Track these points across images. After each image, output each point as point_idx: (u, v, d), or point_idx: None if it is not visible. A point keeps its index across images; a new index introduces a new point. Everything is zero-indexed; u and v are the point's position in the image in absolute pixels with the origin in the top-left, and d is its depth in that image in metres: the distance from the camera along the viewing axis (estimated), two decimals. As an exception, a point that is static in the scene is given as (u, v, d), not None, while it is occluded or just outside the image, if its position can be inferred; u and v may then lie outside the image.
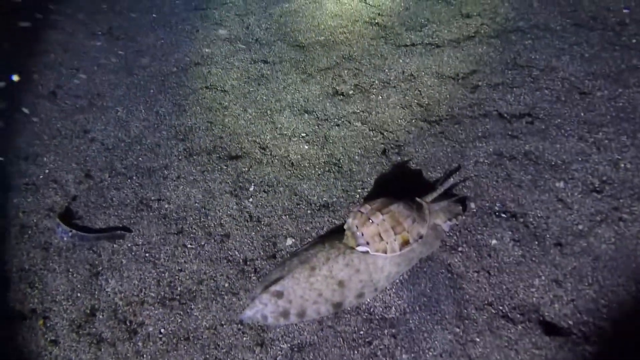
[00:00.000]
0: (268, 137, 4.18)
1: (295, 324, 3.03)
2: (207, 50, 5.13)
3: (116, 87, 4.92)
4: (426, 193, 3.33)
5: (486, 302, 2.92)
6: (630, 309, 2.76)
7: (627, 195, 3.20)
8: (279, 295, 2.99)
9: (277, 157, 4.00)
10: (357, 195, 3.63)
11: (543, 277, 2.98)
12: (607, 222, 3.11)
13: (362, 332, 2.91)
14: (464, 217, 3.33)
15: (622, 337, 2.66)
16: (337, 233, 3.26)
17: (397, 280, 3.09)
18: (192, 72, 4.91)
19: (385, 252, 3.00)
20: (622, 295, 2.81)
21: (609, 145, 3.48)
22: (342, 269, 3.01)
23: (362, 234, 3.01)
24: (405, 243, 3.03)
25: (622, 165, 3.35)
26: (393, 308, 2.97)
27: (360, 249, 3.02)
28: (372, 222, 3.00)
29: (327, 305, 2.98)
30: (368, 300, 3.06)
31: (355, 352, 2.84)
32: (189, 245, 3.56)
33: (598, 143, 3.52)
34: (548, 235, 3.14)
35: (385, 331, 2.88)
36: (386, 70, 4.53)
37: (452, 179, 3.55)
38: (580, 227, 3.14)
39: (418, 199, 3.26)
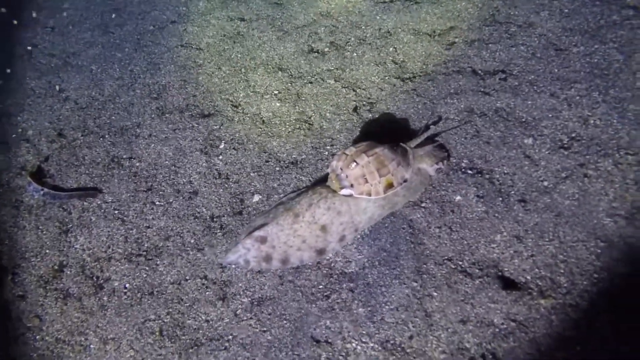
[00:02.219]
0: (241, 95, 4.08)
1: (258, 279, 3.00)
2: (184, 8, 4.98)
3: (92, 46, 4.80)
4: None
5: (446, 257, 2.88)
6: (587, 264, 2.71)
7: (594, 151, 3.11)
8: (263, 240, 2.95)
9: (248, 115, 3.91)
10: (326, 152, 3.56)
11: (505, 233, 2.92)
12: (572, 179, 3.04)
13: (321, 287, 2.89)
14: (450, 162, 3.26)
15: (577, 292, 2.62)
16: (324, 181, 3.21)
17: (359, 236, 3.04)
18: (168, 30, 4.79)
19: (370, 195, 2.95)
20: (580, 251, 2.76)
21: (580, 101, 3.38)
22: (324, 213, 2.96)
23: (347, 176, 2.95)
24: (390, 186, 2.98)
25: (592, 121, 3.26)
26: (353, 263, 2.94)
27: (344, 192, 2.96)
28: (357, 164, 2.93)
29: (310, 252, 2.95)
30: (349, 242, 3.02)
31: (313, 305, 2.82)
32: (158, 203, 3.51)
33: (570, 99, 3.41)
34: (513, 192, 3.07)
35: (344, 285, 2.85)
36: (363, 28, 4.39)
37: (435, 127, 3.47)
38: (545, 183, 3.07)
39: (402, 144, 3.19)
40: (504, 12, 4.16)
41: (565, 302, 2.60)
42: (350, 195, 2.96)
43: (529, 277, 2.74)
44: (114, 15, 5.05)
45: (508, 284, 2.74)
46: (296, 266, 2.96)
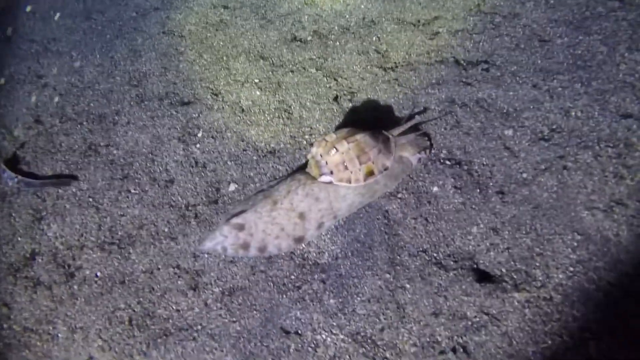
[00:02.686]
0: (222, 83, 3.99)
1: (230, 269, 2.93)
2: (167, -6, 4.88)
3: (73, 32, 4.70)
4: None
5: (421, 249, 2.81)
6: (563, 257, 2.65)
7: (574, 143, 3.04)
8: (241, 227, 2.88)
9: (228, 103, 3.83)
10: (305, 142, 3.48)
11: (481, 225, 2.86)
12: (551, 171, 2.97)
13: (293, 277, 2.82)
14: (433, 151, 3.19)
15: (551, 285, 2.56)
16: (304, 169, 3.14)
17: (333, 226, 2.97)
18: (151, 17, 4.69)
19: (349, 182, 2.88)
20: (557, 244, 2.70)
21: (562, 93, 3.30)
22: (302, 199, 2.89)
23: (326, 163, 2.88)
24: (370, 174, 2.91)
25: (573, 113, 3.19)
26: (326, 253, 2.87)
27: (323, 178, 2.89)
28: (337, 150, 2.86)
29: (288, 241, 2.87)
30: (326, 230, 2.95)
31: (284, 296, 2.75)
32: (133, 191, 3.43)
33: (552, 91, 3.34)
34: (491, 183, 3.00)
35: (316, 276, 2.78)
36: (347, 16, 4.30)
37: (419, 117, 3.40)
38: (524, 175, 3.00)
39: (385, 132, 3.12)
40: (490, 3, 4.08)
41: (540, 296, 2.54)
42: (330, 183, 2.88)
43: (504, 270, 2.67)
44: (96, 2, 4.95)
45: (483, 276, 2.67)
46: (274, 254, 2.88)
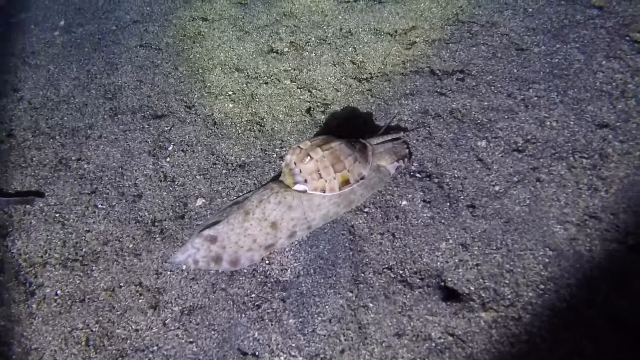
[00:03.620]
0: (196, 96, 3.88)
1: (191, 286, 2.79)
2: (147, 8, 4.79)
3: (51, 46, 4.62)
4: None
5: (386, 266, 2.66)
6: (533, 274, 2.48)
7: (548, 154, 2.89)
8: (213, 240, 2.74)
9: (201, 116, 3.71)
10: (275, 155, 3.35)
11: (450, 241, 2.70)
12: (524, 183, 2.82)
13: (253, 295, 2.67)
14: (410, 160, 3.05)
15: (520, 304, 2.40)
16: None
17: (296, 242, 2.83)
18: (130, 30, 4.60)
19: (324, 191, 2.74)
20: (527, 260, 2.54)
21: (537, 102, 3.16)
22: (275, 208, 2.75)
23: (300, 171, 2.74)
24: (346, 182, 2.77)
25: (548, 123, 3.04)
26: (288, 270, 2.72)
27: (297, 187, 2.76)
28: (311, 158, 2.72)
29: (260, 251, 2.74)
30: (298, 240, 2.82)
31: (243, 315, 2.60)
32: (100, 206, 3.31)
33: (527, 100, 3.19)
34: (462, 197, 2.85)
35: (276, 294, 2.63)
36: (324, 27, 4.19)
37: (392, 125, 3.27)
38: (496, 188, 2.85)
39: (362, 140, 2.98)
40: (468, 12, 3.96)
41: (507, 315, 2.38)
42: (304, 192, 2.75)
43: (472, 288, 2.51)
44: (77, 15, 4.87)
45: (450, 295, 2.51)
46: (246, 266, 2.74)
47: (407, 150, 3.07)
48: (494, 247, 2.62)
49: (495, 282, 2.50)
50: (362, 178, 2.85)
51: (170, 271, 2.88)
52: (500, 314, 2.38)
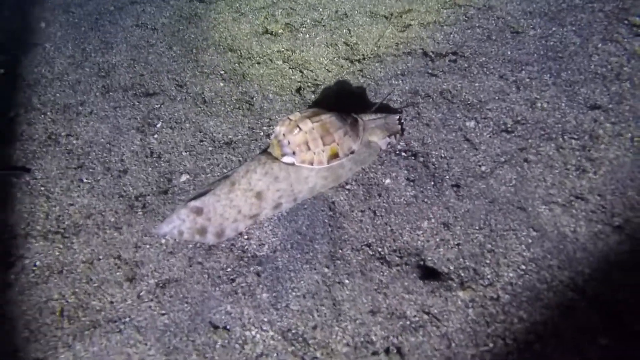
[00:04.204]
0: (188, 75, 3.83)
1: (168, 260, 2.73)
2: (146, -11, 4.76)
3: (50, 25, 4.60)
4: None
5: (365, 243, 2.58)
6: (515, 255, 2.39)
7: (537, 135, 2.79)
8: (199, 211, 2.69)
9: (191, 95, 3.66)
10: (262, 133, 3.28)
11: (433, 220, 2.61)
12: (510, 164, 2.72)
13: (229, 269, 2.61)
14: (402, 136, 2.97)
15: (500, 284, 2.30)
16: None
17: (275, 216, 2.76)
18: (127, 10, 4.56)
19: (312, 164, 2.67)
20: (510, 240, 2.44)
21: (529, 84, 3.06)
22: (260, 178, 2.69)
23: (289, 142, 2.67)
24: (334, 156, 2.70)
25: (539, 104, 2.93)
26: (266, 246, 2.65)
27: (285, 159, 2.69)
28: (300, 129, 2.65)
29: (245, 221, 2.67)
30: (284, 211, 2.74)
31: (217, 289, 2.53)
32: (85, 180, 3.27)
33: (519, 82, 3.09)
34: (447, 177, 2.76)
35: (251, 269, 2.57)
36: (320, 10, 4.12)
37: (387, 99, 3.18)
38: (482, 168, 2.76)
39: (353, 114, 2.91)
40: (466, -4, 3.86)
41: (486, 295, 2.29)
42: (292, 164, 2.68)
43: (451, 268, 2.42)
44: (76, -4, 4.86)
45: (428, 274, 2.43)
46: (231, 237, 2.68)
47: (399, 127, 2.98)
48: (477, 227, 2.53)
49: (475, 262, 2.41)
50: (351, 152, 2.77)
51: (149, 245, 2.82)
52: (478, 294, 2.29)
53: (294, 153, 2.67)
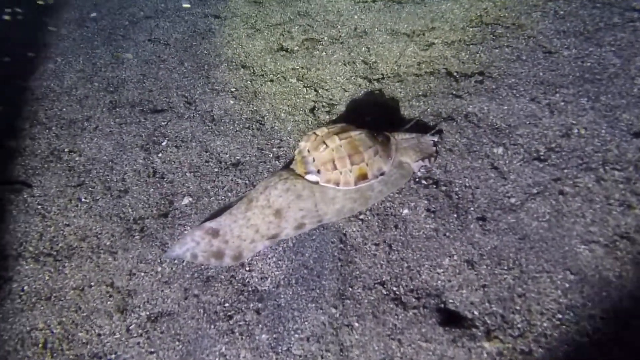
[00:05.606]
0: (198, 92, 3.62)
1: (163, 290, 2.47)
2: (162, 4, 4.61)
3: (63, 39, 4.47)
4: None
5: (378, 281, 2.28)
6: (550, 301, 2.06)
7: (574, 165, 2.48)
8: (215, 233, 2.44)
9: (199, 112, 3.44)
10: (271, 155, 3.04)
11: (455, 257, 2.31)
12: (544, 196, 2.41)
13: (227, 305, 2.33)
14: (437, 160, 2.69)
15: (532, 335, 1.98)
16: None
17: (281, 247, 2.48)
18: (141, 26, 4.41)
19: (338, 184, 2.41)
20: (544, 284, 2.12)
21: (564, 108, 2.75)
22: (281, 194, 2.43)
23: (313, 160, 2.43)
24: (363, 177, 2.44)
25: (576, 131, 2.63)
26: (269, 279, 2.37)
27: (309, 177, 2.44)
28: (327, 146, 2.40)
29: (263, 241, 2.41)
30: (307, 230, 2.47)
31: (212, 326, 2.26)
32: (84, 199, 3.05)
33: (552, 106, 2.79)
34: (472, 208, 2.46)
35: (251, 305, 2.29)
36: (338, 27, 3.89)
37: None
38: (512, 200, 2.45)
39: (386, 132, 2.64)
40: (493, 14, 3.59)
41: (516, 347, 1.97)
42: (317, 183, 2.41)
43: (476, 313, 2.11)
44: (92, 10, 4.73)
45: (449, 319, 2.11)
46: (249, 258, 2.42)
47: (434, 149, 2.70)
48: (505, 267, 2.22)
49: (503, 307, 2.09)
50: (382, 174, 2.50)
51: (144, 272, 2.58)
52: (507, 345, 1.97)
53: (318, 171, 2.42)
